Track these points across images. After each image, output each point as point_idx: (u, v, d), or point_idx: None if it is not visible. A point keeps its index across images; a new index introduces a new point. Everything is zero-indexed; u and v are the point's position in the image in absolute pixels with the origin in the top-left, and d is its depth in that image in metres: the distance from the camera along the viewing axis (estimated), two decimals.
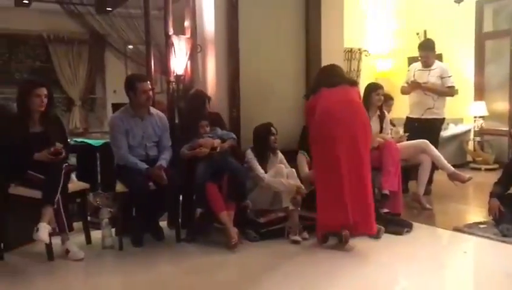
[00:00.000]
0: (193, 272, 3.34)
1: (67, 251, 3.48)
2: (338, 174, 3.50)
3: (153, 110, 3.96)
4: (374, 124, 4.73)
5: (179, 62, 4.56)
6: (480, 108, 7.28)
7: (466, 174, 4.77)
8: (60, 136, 3.65)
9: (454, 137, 7.31)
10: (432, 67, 5.45)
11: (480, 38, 7.52)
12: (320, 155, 3.67)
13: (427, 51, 5.47)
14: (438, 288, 3.09)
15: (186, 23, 4.73)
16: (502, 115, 7.21)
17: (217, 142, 3.92)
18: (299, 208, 3.87)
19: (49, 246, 3.40)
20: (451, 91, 5.47)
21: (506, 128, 7.06)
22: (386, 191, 4.23)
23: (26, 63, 9.30)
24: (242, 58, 4.51)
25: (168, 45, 4.52)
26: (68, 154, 3.72)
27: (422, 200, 4.85)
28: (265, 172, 4.00)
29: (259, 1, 4.67)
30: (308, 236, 3.80)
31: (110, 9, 8.24)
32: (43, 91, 3.55)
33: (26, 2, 8.12)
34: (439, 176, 5.17)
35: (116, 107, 4.11)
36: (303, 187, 3.89)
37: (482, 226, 4.07)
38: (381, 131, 4.76)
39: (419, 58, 5.57)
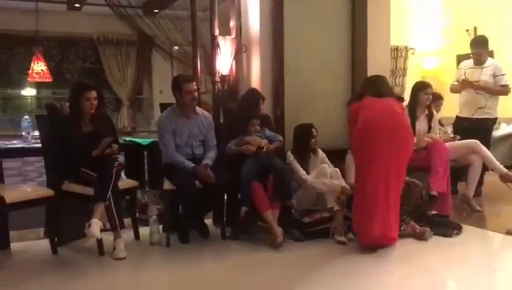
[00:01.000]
0: (237, 270, 3.37)
1: (114, 248, 3.58)
2: (374, 187, 3.49)
3: (198, 109, 4.02)
4: (422, 123, 4.64)
5: (224, 62, 4.60)
6: None
7: None
8: (110, 134, 3.78)
9: (506, 137, 7.07)
10: (485, 65, 5.27)
11: None
12: (359, 166, 3.64)
13: (480, 48, 5.28)
14: None
15: (232, 24, 4.77)
16: None
17: (264, 142, 3.94)
18: (344, 209, 3.83)
19: (100, 242, 3.52)
20: (504, 90, 5.27)
21: None
22: (434, 193, 4.11)
23: (76, 65, 9.65)
24: (286, 57, 4.50)
25: (213, 45, 4.56)
26: (119, 152, 3.84)
27: (472, 202, 4.70)
28: (307, 173, 3.99)
29: (304, 0, 4.65)
30: (354, 237, 3.76)
31: (157, 11, 8.43)
32: (93, 94, 3.68)
33: (78, 5, 8.43)
34: (491, 177, 5.00)
35: (164, 107, 4.19)
36: (348, 187, 3.85)
37: None
38: (429, 130, 4.65)
39: (471, 55, 5.39)
